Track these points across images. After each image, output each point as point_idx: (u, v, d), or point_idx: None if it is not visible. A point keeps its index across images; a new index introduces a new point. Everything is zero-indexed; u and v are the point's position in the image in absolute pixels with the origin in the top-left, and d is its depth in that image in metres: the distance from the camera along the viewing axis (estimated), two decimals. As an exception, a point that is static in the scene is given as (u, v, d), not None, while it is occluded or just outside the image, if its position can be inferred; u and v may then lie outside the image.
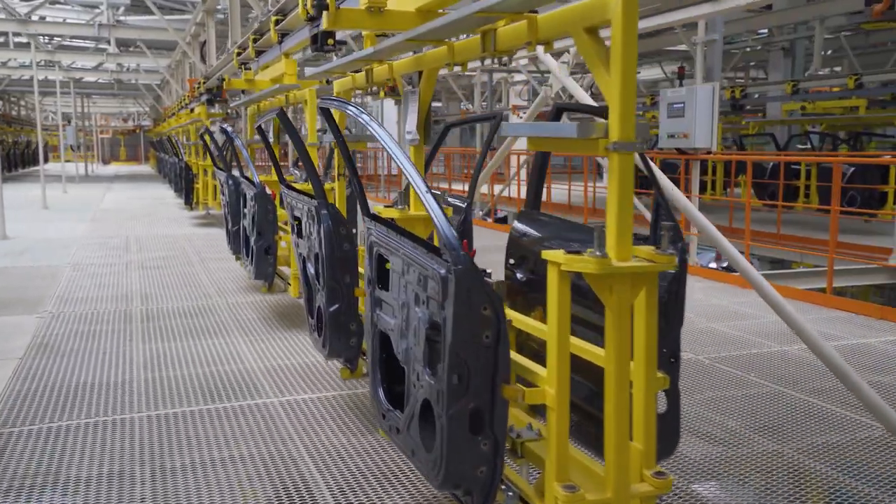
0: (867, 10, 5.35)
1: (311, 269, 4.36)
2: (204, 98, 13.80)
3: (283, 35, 5.70)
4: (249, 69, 7.07)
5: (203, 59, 14.77)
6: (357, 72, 4.83)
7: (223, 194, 7.98)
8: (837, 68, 21.55)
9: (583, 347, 2.67)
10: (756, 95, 18.22)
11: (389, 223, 3.13)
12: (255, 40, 6.88)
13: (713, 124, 8.31)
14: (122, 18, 21.59)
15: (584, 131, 2.33)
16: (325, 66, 4.73)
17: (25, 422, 4.33)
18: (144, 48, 21.05)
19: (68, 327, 6.52)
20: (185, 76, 19.83)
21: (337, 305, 4.02)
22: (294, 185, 5.37)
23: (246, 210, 6.81)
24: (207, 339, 6.10)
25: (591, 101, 6.09)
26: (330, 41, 4.41)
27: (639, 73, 24.52)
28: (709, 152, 8.77)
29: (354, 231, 4.19)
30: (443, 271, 2.43)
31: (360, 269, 3.84)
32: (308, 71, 4.93)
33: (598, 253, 2.29)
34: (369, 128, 3.15)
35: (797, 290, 7.50)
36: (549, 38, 2.74)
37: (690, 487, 3.51)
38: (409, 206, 4.30)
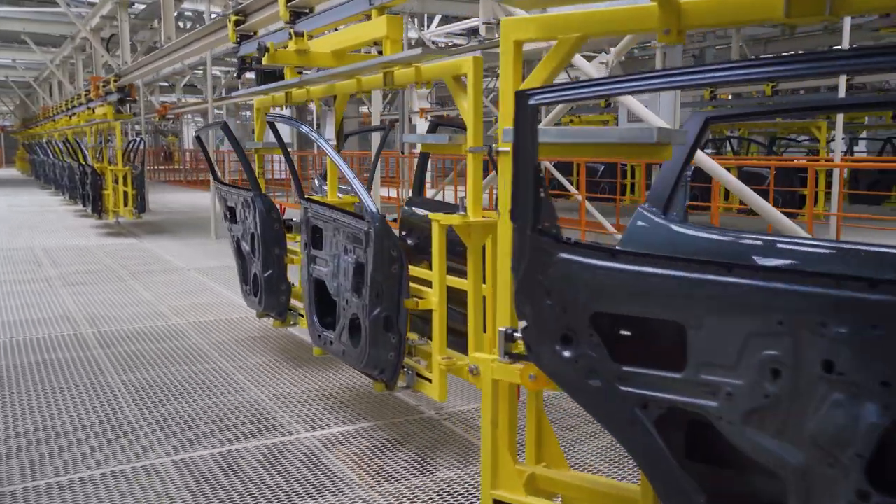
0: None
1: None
2: (114, 97, 12.76)
3: None
4: (301, 36, 4.70)
5: (109, 53, 13.59)
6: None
7: (233, 221, 5.69)
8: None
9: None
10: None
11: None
12: None
13: (675, 126, 8.38)
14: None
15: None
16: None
17: (25, 478, 3.64)
18: (31, 43, 19.25)
19: (16, 358, 5.69)
20: (79, 72, 18.26)
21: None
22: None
23: (326, 254, 4.28)
24: (193, 366, 5.48)
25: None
26: None
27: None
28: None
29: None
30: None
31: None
32: (520, 10, 2.85)
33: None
34: None
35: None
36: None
37: None
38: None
